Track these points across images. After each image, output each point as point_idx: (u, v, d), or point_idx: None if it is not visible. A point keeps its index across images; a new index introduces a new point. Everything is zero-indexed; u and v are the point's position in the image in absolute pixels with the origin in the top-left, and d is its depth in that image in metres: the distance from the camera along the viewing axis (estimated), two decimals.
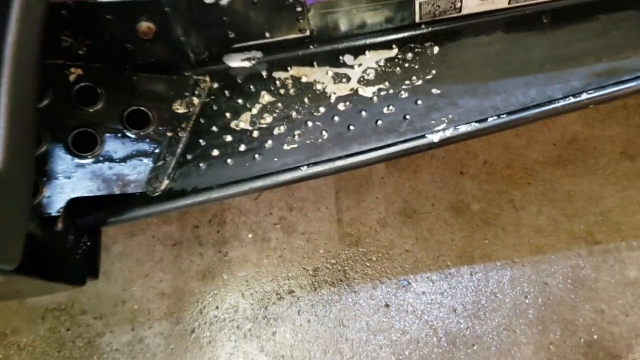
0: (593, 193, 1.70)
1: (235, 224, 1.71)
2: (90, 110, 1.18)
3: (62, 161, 1.14)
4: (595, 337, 1.53)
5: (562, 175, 1.72)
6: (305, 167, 1.19)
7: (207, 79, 1.30)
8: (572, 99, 1.15)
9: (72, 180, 1.14)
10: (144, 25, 1.16)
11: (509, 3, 1.23)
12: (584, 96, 1.15)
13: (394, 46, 1.28)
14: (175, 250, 1.68)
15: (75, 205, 1.14)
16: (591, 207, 1.68)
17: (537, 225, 1.66)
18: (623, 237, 1.64)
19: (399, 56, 1.27)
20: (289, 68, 1.29)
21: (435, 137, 1.16)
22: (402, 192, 1.73)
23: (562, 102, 1.15)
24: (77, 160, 1.15)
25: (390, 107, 1.22)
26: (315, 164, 1.19)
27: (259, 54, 1.29)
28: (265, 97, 1.27)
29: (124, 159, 1.19)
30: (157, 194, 1.20)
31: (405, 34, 1.28)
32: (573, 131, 1.78)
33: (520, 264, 1.62)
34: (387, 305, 1.59)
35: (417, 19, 1.25)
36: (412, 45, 1.27)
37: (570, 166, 1.73)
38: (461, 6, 1.22)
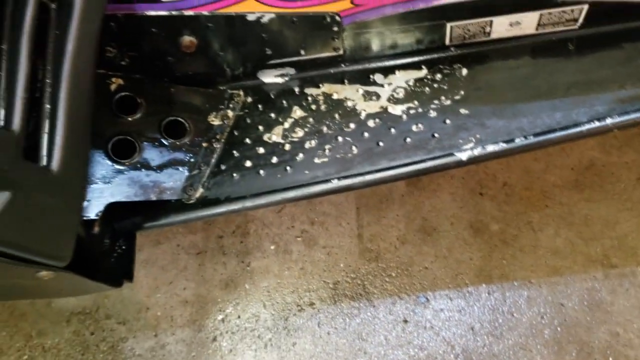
0: (609, 218, 1.73)
1: (259, 236, 1.74)
2: (130, 119, 1.23)
3: (102, 167, 1.19)
4: (610, 359, 1.56)
5: (579, 199, 1.76)
6: (336, 180, 1.23)
7: (242, 93, 1.35)
8: (597, 123, 1.19)
9: (110, 186, 1.18)
10: (187, 39, 1.22)
11: (537, 29, 1.27)
12: (608, 121, 1.18)
13: (423, 67, 1.32)
14: (200, 259, 1.72)
15: (112, 209, 1.18)
16: (607, 231, 1.71)
17: (554, 247, 1.69)
18: (639, 261, 1.67)
19: (428, 77, 1.31)
20: (320, 85, 1.34)
21: (463, 156, 1.20)
22: (422, 210, 1.76)
23: (586, 126, 1.19)
24: (116, 167, 1.20)
25: (419, 125, 1.26)
26: (344, 177, 1.23)
27: (292, 71, 1.34)
28: (297, 112, 1.32)
29: (160, 167, 1.23)
30: (191, 201, 1.24)
31: (435, 56, 1.32)
32: (591, 157, 1.82)
33: (537, 285, 1.65)
34: (405, 321, 1.62)
35: (447, 42, 1.30)
36: (441, 66, 1.32)
37: (587, 191, 1.77)
38: (490, 31, 1.27)
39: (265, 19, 1.20)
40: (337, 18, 1.21)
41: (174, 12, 1.16)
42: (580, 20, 1.26)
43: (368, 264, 1.70)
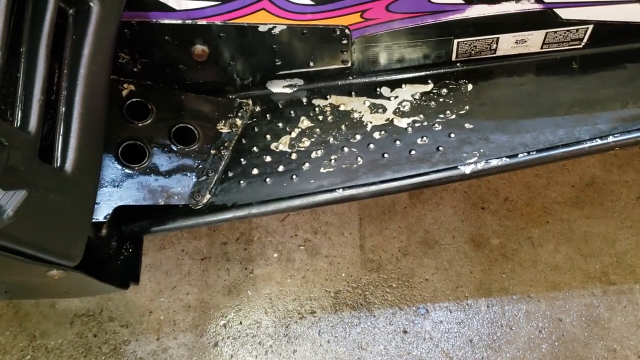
0: (609, 235, 1.75)
1: (262, 243, 1.76)
2: (140, 124, 1.25)
3: (112, 171, 1.21)
4: None
5: (579, 216, 1.78)
6: (341, 190, 1.25)
7: (250, 102, 1.38)
8: (599, 141, 1.21)
9: (120, 189, 1.20)
10: (199, 48, 1.24)
11: (542, 47, 1.30)
12: (610, 139, 1.21)
13: (429, 81, 1.35)
14: (203, 265, 1.74)
15: (120, 213, 1.20)
16: (607, 249, 1.73)
17: (554, 263, 1.71)
18: (637, 279, 1.69)
19: (434, 91, 1.34)
20: (328, 96, 1.37)
21: (467, 169, 1.22)
22: (424, 223, 1.78)
23: (589, 144, 1.21)
24: (125, 171, 1.22)
25: (424, 138, 1.28)
26: (349, 187, 1.25)
27: (300, 82, 1.37)
28: (305, 122, 1.34)
29: (169, 172, 1.26)
30: (199, 207, 1.26)
31: (441, 71, 1.35)
32: (592, 174, 1.84)
33: (536, 299, 1.66)
34: (405, 332, 1.63)
35: (453, 57, 1.32)
36: (447, 81, 1.34)
37: (587, 208, 1.79)
38: (496, 48, 1.30)
39: (276, 31, 1.22)
40: (347, 31, 1.24)
41: (187, 21, 1.18)
42: (585, 39, 1.28)
43: (369, 274, 1.72)
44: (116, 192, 1.20)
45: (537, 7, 1.19)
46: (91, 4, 0.97)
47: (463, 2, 1.19)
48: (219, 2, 1.18)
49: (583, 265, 1.71)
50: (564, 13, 1.21)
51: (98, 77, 0.98)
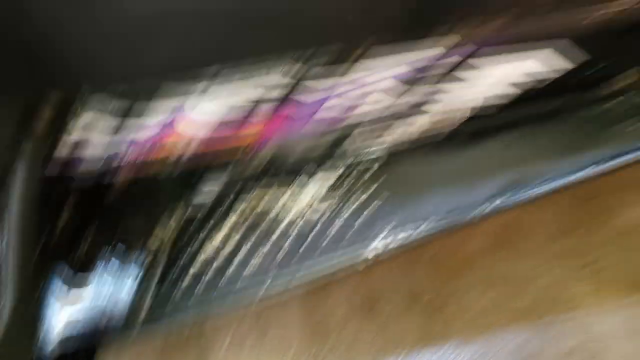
0: (529, 273, 1.88)
1: (214, 331, 1.84)
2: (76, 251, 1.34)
3: (51, 308, 1.28)
4: None
5: (499, 259, 1.91)
6: (268, 284, 1.36)
7: (180, 205, 1.47)
8: (495, 203, 1.38)
9: (61, 321, 1.28)
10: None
11: (430, 127, 1.45)
12: (499, 201, 1.37)
13: (340, 167, 1.48)
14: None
15: (67, 340, 1.27)
16: (529, 286, 1.86)
17: (482, 308, 1.83)
18: (560, 310, 1.82)
19: (345, 176, 1.47)
20: (250, 193, 1.48)
21: (380, 245, 1.36)
22: (361, 289, 1.89)
23: (484, 207, 1.37)
24: (63, 302, 1.29)
25: (338, 221, 1.41)
26: (276, 281, 1.37)
27: (224, 182, 1.47)
28: (230, 221, 1.45)
29: (107, 294, 1.33)
30: (139, 319, 1.34)
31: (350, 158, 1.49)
32: (505, 219, 1.99)
33: (471, 344, 1.78)
34: None
35: (354, 147, 1.46)
36: (356, 165, 1.48)
37: (505, 251, 1.93)
38: (391, 134, 1.44)
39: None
40: (250, 148, 1.37)
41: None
42: (461, 119, 1.44)
43: (317, 346, 1.81)
44: (57, 324, 1.27)
45: (413, 100, 1.35)
46: None
47: (346, 108, 1.33)
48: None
49: (511, 305, 1.84)
50: (434, 107, 1.37)
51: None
